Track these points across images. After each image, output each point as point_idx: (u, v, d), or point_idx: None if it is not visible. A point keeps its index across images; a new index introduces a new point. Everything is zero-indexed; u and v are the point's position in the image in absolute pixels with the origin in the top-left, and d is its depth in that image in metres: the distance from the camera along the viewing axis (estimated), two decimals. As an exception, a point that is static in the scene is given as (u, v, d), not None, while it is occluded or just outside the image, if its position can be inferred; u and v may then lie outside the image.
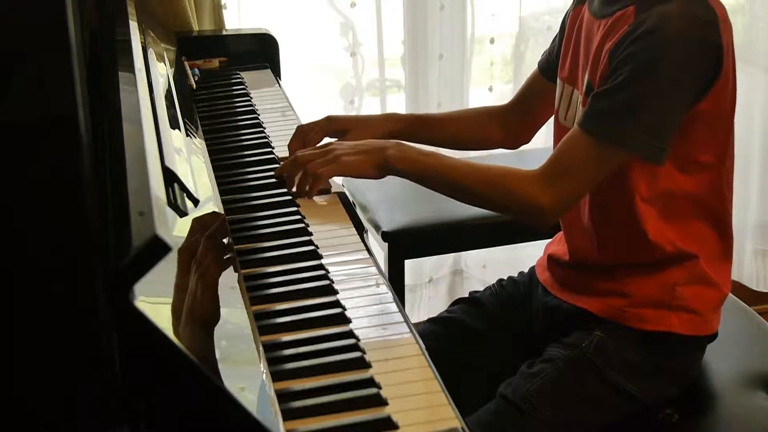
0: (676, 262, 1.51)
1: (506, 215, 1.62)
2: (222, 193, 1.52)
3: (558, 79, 1.63)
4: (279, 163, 1.64)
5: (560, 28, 1.69)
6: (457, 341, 1.67)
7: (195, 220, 1.14)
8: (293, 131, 1.73)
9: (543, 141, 2.67)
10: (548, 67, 1.72)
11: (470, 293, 1.77)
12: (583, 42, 1.55)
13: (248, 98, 1.96)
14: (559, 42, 1.67)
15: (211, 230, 1.23)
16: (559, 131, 1.64)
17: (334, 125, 1.71)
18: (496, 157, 2.54)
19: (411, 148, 1.53)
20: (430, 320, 1.74)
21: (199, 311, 1.05)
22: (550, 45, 1.74)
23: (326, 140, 1.69)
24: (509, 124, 1.81)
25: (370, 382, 1.08)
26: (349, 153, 1.52)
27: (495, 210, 1.62)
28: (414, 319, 2.78)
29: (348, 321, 1.20)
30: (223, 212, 1.40)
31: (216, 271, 1.18)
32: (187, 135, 1.51)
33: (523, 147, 2.56)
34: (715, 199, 1.51)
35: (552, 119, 1.68)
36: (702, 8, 1.40)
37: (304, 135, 1.68)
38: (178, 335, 0.92)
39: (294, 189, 1.53)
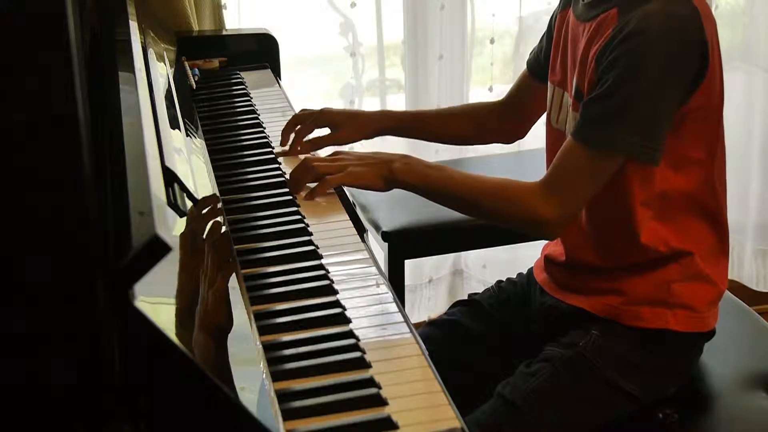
0: (671, 260, 1.51)
1: (512, 228, 1.62)
2: (222, 193, 1.52)
3: (549, 83, 1.64)
4: (279, 164, 1.65)
5: (547, 29, 1.69)
6: (456, 343, 1.67)
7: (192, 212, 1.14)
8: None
9: (543, 141, 2.67)
10: (536, 66, 1.73)
11: (469, 295, 1.77)
12: (570, 45, 1.56)
13: (248, 98, 1.96)
14: (547, 44, 1.67)
15: (213, 238, 1.23)
16: (551, 134, 1.64)
17: (326, 117, 1.74)
18: (496, 156, 2.54)
19: (417, 161, 1.54)
20: (430, 324, 1.74)
21: (208, 317, 1.05)
22: (537, 44, 1.75)
23: (332, 149, 1.71)
24: (503, 120, 1.82)
25: (370, 382, 1.08)
26: (356, 164, 1.53)
27: (500, 223, 1.63)
28: (414, 319, 2.78)
29: (348, 321, 1.20)
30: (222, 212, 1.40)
31: (223, 279, 1.18)
32: (187, 135, 1.51)
33: (523, 148, 2.59)
34: (708, 194, 1.52)
35: (544, 120, 1.68)
36: (683, 6, 1.40)
37: (295, 125, 1.72)
38: (182, 333, 0.92)
39: (300, 191, 1.54)
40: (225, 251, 1.28)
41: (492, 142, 1.90)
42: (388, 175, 1.52)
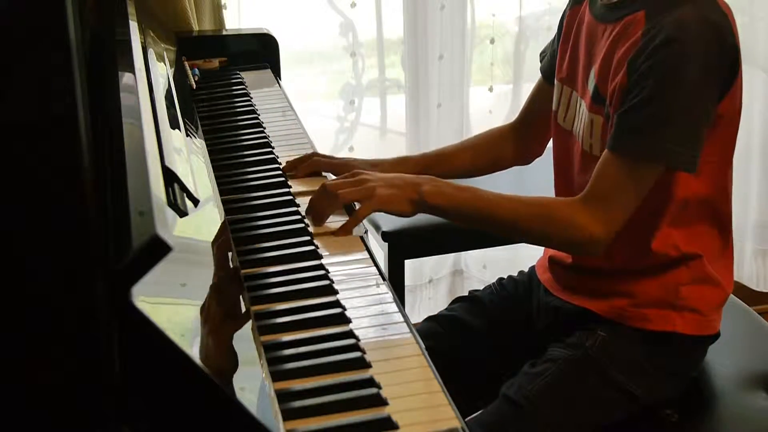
0: (680, 263, 1.51)
1: (551, 246, 1.58)
2: (222, 193, 1.51)
3: (556, 81, 1.62)
4: (279, 164, 1.64)
5: (558, 29, 1.67)
6: (456, 339, 1.67)
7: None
8: (294, 132, 1.73)
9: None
10: (551, 73, 1.68)
11: (470, 292, 1.77)
12: (584, 44, 1.54)
13: (248, 98, 1.96)
14: (557, 44, 1.65)
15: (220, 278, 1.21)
16: (558, 133, 1.63)
17: (347, 169, 1.60)
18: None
19: (446, 184, 1.48)
20: (430, 318, 1.73)
21: (209, 360, 1.04)
22: (549, 50, 1.72)
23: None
24: (520, 140, 1.78)
25: (370, 382, 1.08)
26: (382, 187, 1.45)
27: (539, 242, 1.54)
28: (414, 320, 2.77)
29: (348, 321, 1.20)
30: (223, 213, 1.40)
31: (230, 328, 1.15)
32: (187, 135, 1.51)
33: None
34: (721, 198, 1.51)
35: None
36: (715, 11, 1.39)
37: (310, 167, 1.63)
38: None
39: (323, 223, 1.45)
40: (235, 296, 1.24)
41: (510, 166, 1.83)
42: (417, 199, 1.45)
